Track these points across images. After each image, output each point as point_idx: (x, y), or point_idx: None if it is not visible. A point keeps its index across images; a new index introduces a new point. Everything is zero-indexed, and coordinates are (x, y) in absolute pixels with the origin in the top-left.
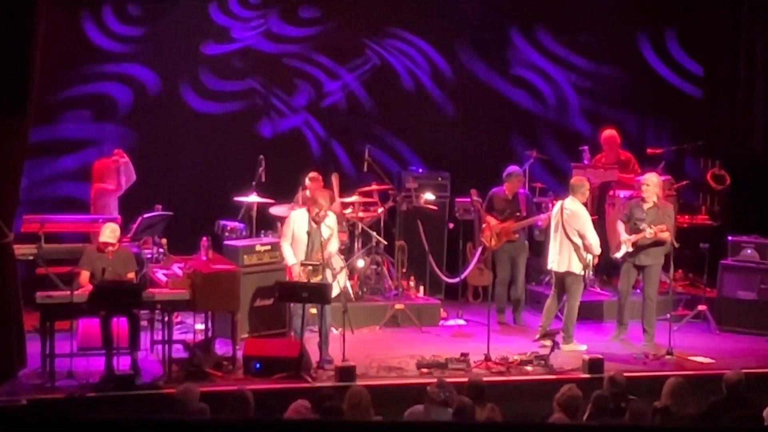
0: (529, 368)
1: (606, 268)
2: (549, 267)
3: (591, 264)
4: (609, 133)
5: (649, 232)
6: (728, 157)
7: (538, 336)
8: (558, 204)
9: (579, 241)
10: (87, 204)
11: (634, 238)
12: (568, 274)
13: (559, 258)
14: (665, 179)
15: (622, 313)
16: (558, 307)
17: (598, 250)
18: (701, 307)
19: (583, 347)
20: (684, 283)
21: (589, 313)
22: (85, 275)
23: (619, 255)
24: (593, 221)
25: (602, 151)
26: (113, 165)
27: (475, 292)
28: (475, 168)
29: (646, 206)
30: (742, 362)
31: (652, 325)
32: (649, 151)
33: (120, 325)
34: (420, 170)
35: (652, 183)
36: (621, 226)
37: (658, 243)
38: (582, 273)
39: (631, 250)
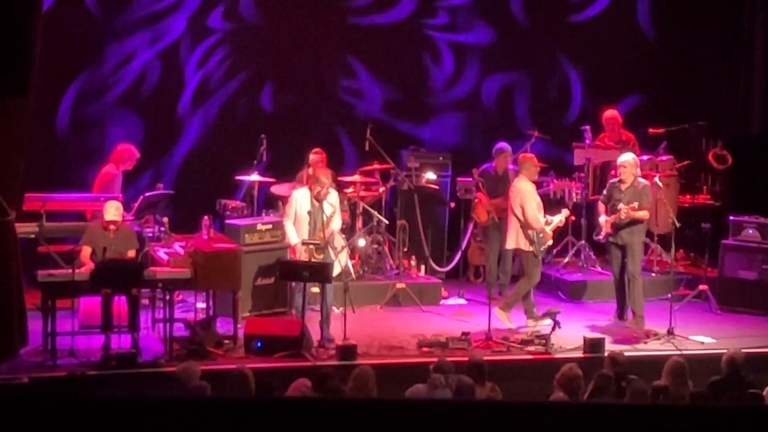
0: (530, 347)
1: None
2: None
3: (540, 241)
4: (610, 113)
5: (623, 212)
6: (730, 137)
7: (531, 322)
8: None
9: (523, 218)
10: (88, 184)
11: (611, 218)
12: (518, 251)
13: (509, 236)
14: (667, 159)
15: (619, 294)
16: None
17: (537, 225)
18: (702, 287)
19: (512, 325)
20: (685, 262)
21: (590, 294)
22: (86, 251)
23: (601, 237)
24: (593, 201)
25: (604, 131)
26: (134, 156)
27: (476, 271)
28: (477, 147)
29: (623, 186)
30: (742, 342)
31: (639, 305)
32: (650, 131)
33: (121, 303)
34: (421, 149)
35: (628, 164)
36: (601, 207)
37: (636, 221)
38: (530, 249)
39: (610, 231)
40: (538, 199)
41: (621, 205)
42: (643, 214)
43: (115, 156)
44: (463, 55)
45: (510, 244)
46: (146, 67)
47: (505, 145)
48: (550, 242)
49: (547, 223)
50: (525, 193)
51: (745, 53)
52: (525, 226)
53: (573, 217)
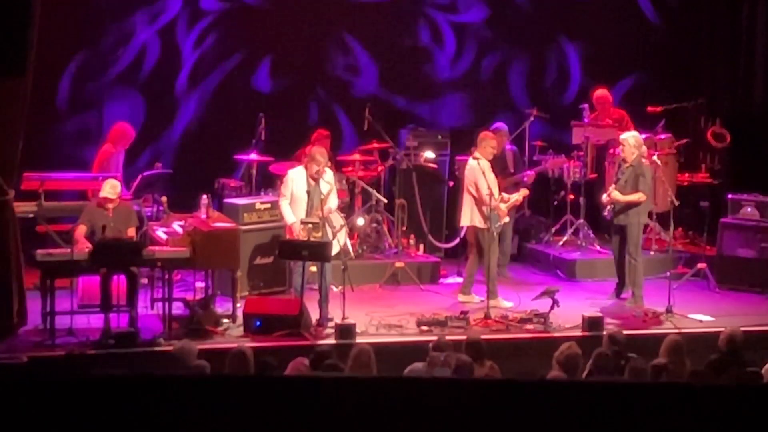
0: (528, 326)
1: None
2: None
3: (495, 218)
4: (601, 92)
5: (607, 195)
6: (729, 115)
7: (461, 296)
8: None
9: (477, 195)
10: (87, 163)
11: (607, 199)
12: (473, 228)
13: (462, 213)
14: (665, 137)
15: (619, 273)
16: (478, 265)
17: (491, 203)
18: (701, 266)
19: (510, 304)
20: (684, 241)
21: (589, 272)
22: (81, 230)
23: (606, 213)
24: (592, 180)
25: (596, 111)
26: (130, 134)
27: None
28: (474, 126)
29: (624, 166)
30: (741, 320)
31: (638, 285)
32: (649, 109)
33: (120, 282)
34: (420, 128)
35: (628, 143)
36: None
37: (633, 203)
38: (485, 226)
39: (611, 207)
40: (493, 176)
41: (615, 187)
42: (636, 197)
43: (113, 135)
44: (461, 34)
45: (464, 221)
46: (144, 46)
47: (502, 125)
48: (506, 219)
49: (504, 201)
50: (478, 171)
51: (746, 30)
52: (479, 203)
53: (572, 196)
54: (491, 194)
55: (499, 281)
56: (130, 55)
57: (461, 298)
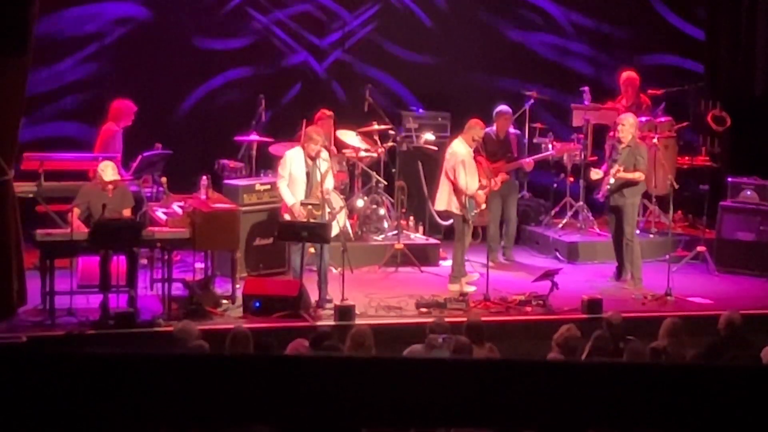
0: (527, 308)
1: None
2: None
3: (471, 205)
4: (628, 74)
5: (612, 174)
6: (729, 99)
7: (452, 285)
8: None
9: (454, 181)
10: (86, 143)
11: (605, 179)
12: (449, 213)
13: (439, 197)
14: (665, 120)
15: (619, 255)
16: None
17: (468, 191)
18: (700, 249)
19: (472, 288)
20: (683, 224)
21: (588, 255)
22: (75, 212)
23: (599, 195)
24: (592, 162)
25: (621, 94)
26: (132, 110)
27: (475, 232)
28: (474, 109)
29: (620, 147)
30: (740, 303)
31: (636, 267)
32: (649, 92)
33: (120, 263)
34: (420, 110)
35: (627, 123)
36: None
37: (629, 183)
38: (461, 213)
39: (607, 187)
40: (474, 164)
41: (615, 167)
42: (637, 175)
43: (113, 113)
44: (461, 11)
45: (440, 205)
46: (146, 24)
47: (505, 108)
48: (483, 207)
49: (482, 187)
50: (459, 159)
51: (747, 12)
52: (457, 190)
53: (571, 179)
54: (468, 185)
55: (503, 266)
56: (131, 32)
57: (451, 288)
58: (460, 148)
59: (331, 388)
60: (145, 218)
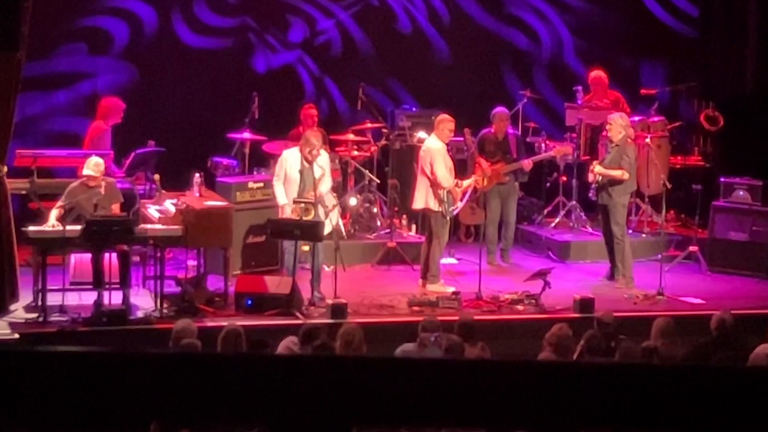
0: (519, 307)
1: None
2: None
3: (449, 201)
4: (596, 74)
5: (593, 171)
6: (722, 99)
7: (431, 286)
8: None
9: (431, 178)
10: (80, 139)
11: (591, 178)
12: (427, 210)
13: (417, 196)
14: (658, 120)
15: (610, 255)
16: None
17: (446, 184)
18: (692, 248)
19: (451, 289)
20: (675, 224)
21: (581, 254)
22: (56, 213)
23: (591, 194)
24: (585, 161)
25: (590, 93)
26: (121, 107)
27: (467, 230)
28: (469, 108)
29: (610, 146)
30: (732, 303)
31: (627, 266)
32: (642, 91)
33: (112, 260)
34: (413, 109)
35: (616, 123)
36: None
37: (614, 182)
38: (439, 209)
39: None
40: (449, 160)
41: (595, 163)
42: (618, 173)
43: (102, 111)
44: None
45: (418, 204)
46: (139, 21)
47: (503, 109)
48: (460, 204)
49: (458, 185)
50: (434, 152)
51: (738, 12)
52: (434, 185)
53: (564, 178)
54: (446, 178)
55: (501, 269)
56: (126, 29)
57: (431, 288)
58: (434, 143)
59: (322, 387)
60: (138, 215)
